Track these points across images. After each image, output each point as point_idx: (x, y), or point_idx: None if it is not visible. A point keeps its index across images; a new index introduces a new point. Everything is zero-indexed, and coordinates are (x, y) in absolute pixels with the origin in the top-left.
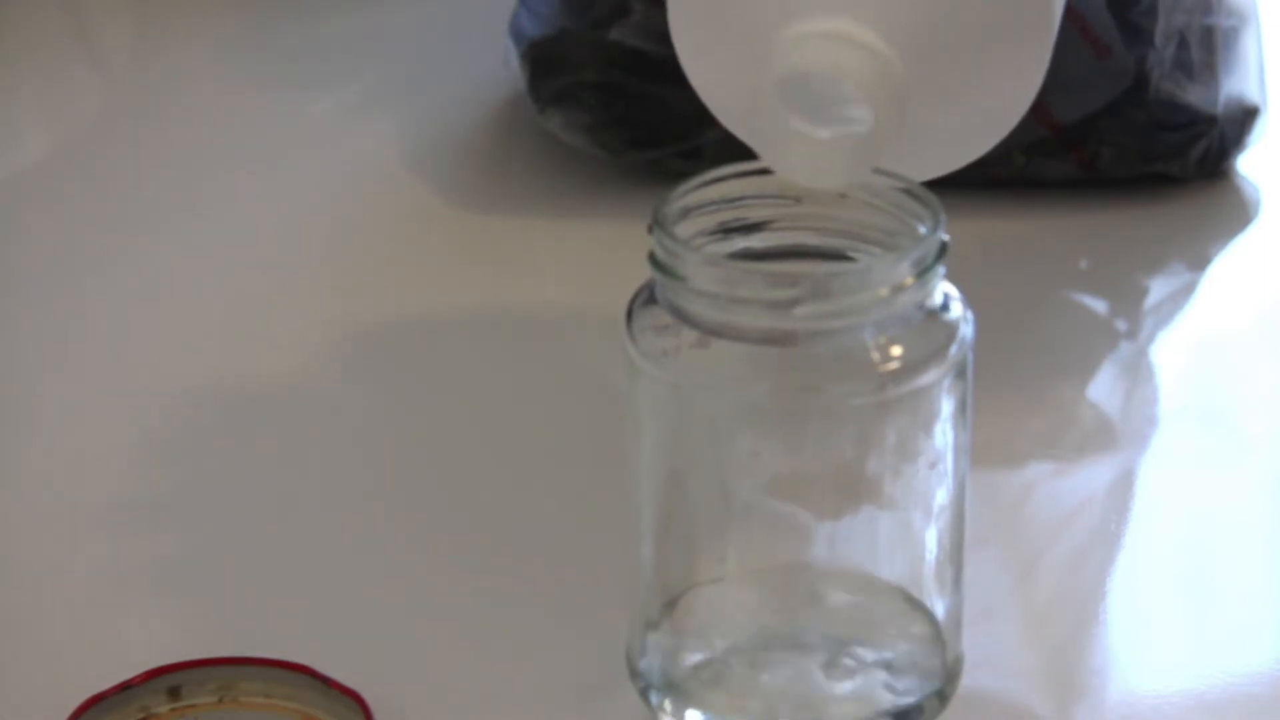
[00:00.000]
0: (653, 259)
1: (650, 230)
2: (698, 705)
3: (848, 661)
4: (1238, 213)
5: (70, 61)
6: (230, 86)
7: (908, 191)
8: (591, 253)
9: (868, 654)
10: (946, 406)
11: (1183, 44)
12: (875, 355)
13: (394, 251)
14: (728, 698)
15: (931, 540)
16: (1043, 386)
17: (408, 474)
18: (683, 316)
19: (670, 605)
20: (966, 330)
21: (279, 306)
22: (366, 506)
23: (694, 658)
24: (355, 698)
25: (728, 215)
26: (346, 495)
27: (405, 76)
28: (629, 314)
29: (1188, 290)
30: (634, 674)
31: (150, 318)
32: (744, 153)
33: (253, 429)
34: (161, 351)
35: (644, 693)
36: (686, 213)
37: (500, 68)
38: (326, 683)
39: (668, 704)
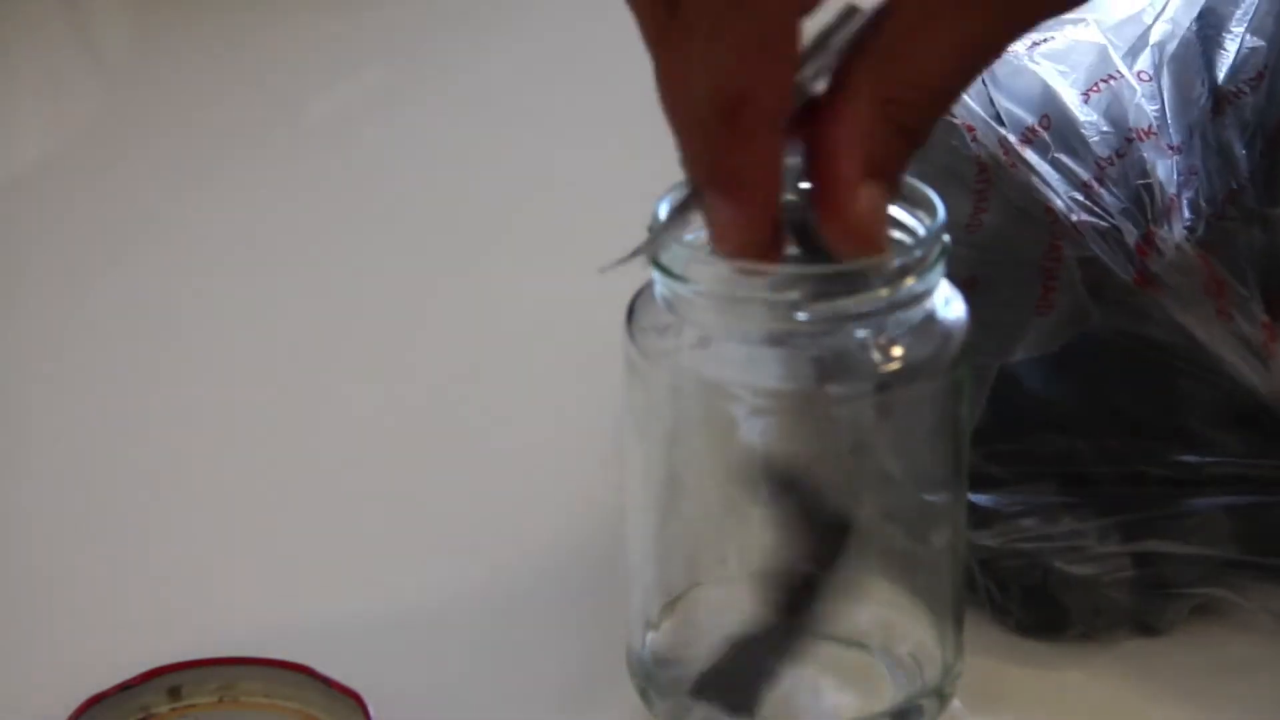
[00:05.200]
0: (653, 258)
1: (650, 230)
2: (698, 705)
3: (848, 661)
4: None
5: (70, 61)
6: (230, 86)
7: (909, 191)
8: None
9: (868, 654)
10: (947, 406)
11: None
12: (875, 355)
13: (393, 250)
14: (728, 698)
15: (931, 540)
16: None
17: (408, 474)
18: (683, 316)
19: (670, 605)
20: (967, 330)
21: (277, 306)
22: (366, 506)
23: (694, 658)
24: (355, 698)
25: None
26: (346, 495)
27: (405, 76)
28: (629, 314)
29: None
30: (634, 674)
31: (148, 317)
32: None
33: (252, 428)
34: (161, 351)
35: (644, 693)
36: (686, 211)
37: None
38: (326, 683)
39: (668, 704)
